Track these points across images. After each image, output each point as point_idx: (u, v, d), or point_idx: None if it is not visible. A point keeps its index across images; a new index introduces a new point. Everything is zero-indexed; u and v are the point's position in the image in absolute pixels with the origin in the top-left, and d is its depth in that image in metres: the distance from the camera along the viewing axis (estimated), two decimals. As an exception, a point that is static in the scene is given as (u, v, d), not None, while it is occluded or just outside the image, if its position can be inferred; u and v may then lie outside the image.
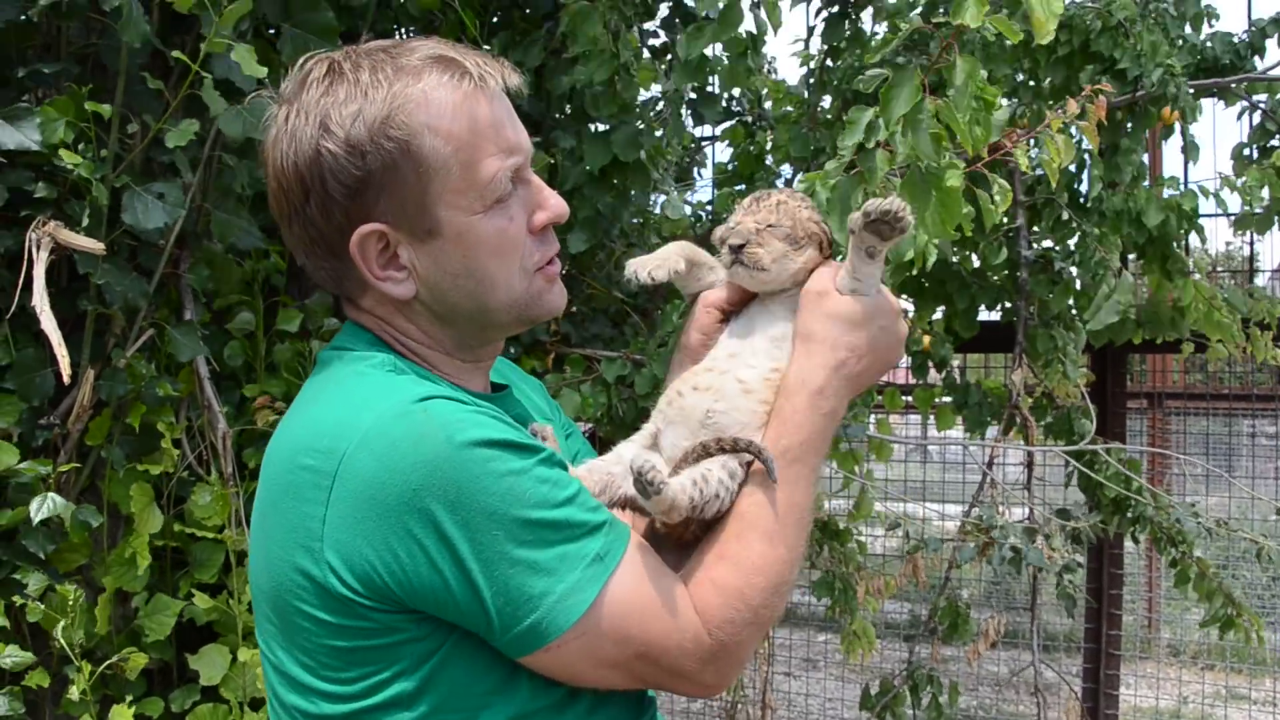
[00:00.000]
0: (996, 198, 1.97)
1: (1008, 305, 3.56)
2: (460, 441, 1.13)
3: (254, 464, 2.81)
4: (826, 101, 3.57)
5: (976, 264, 3.60)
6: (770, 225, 1.40)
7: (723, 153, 4.31)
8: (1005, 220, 2.44)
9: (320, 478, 1.15)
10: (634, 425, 3.26)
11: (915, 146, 1.79)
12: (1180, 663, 6.31)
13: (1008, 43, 2.52)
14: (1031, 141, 2.26)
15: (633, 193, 3.20)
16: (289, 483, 1.19)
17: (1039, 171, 3.07)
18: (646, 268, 1.40)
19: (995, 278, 3.47)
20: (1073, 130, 2.37)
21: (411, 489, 1.11)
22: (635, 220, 3.74)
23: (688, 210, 3.90)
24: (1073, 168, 3.20)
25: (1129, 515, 3.13)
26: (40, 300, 2.05)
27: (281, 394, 2.97)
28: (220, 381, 2.80)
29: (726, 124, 4.14)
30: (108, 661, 2.51)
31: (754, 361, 1.39)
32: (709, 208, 4.07)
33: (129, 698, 2.57)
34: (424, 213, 1.24)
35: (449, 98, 1.22)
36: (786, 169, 4.06)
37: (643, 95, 3.21)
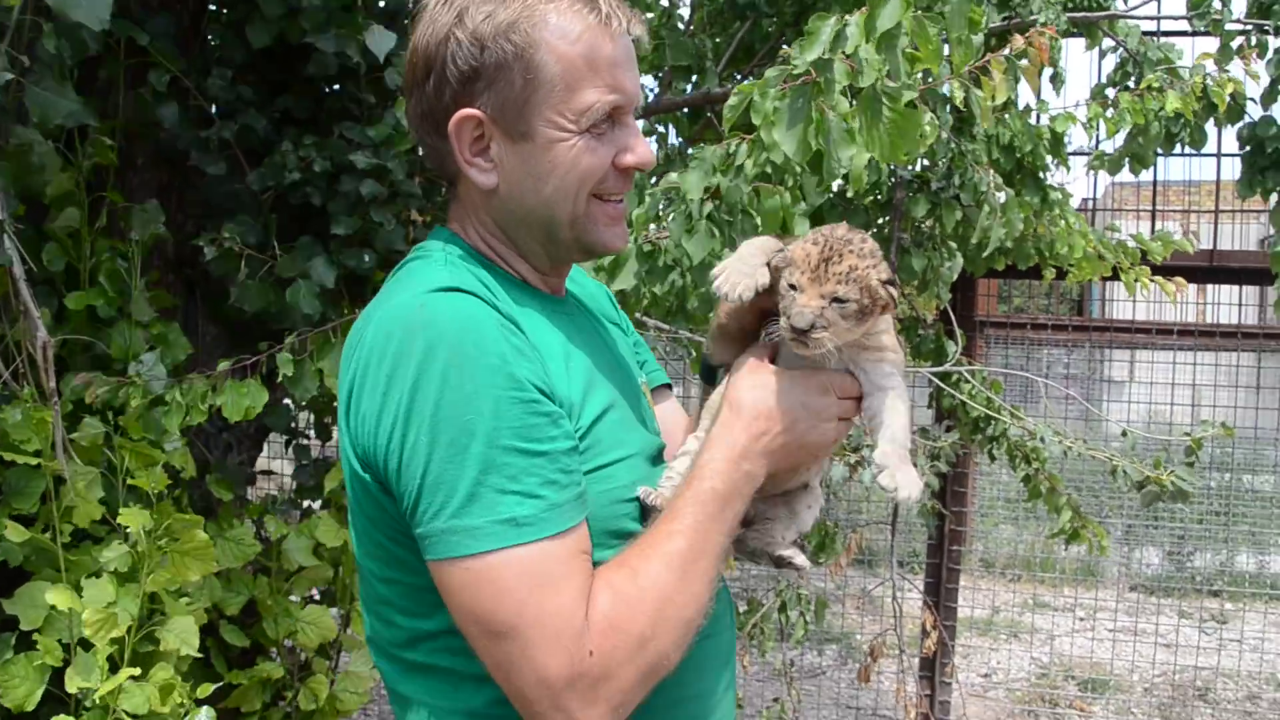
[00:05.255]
0: (927, 128, 1.92)
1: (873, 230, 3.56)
2: (436, 342, 1.18)
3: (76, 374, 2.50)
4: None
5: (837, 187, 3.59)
6: (838, 299, 1.31)
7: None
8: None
9: (349, 361, 1.28)
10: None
11: (887, 62, 1.72)
12: (991, 575, 6.73)
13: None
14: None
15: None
16: (342, 364, 1.32)
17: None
18: (738, 288, 1.39)
19: (865, 201, 3.46)
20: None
21: (385, 374, 1.20)
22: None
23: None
24: (945, 90, 3.20)
25: (987, 434, 3.23)
26: None
27: (104, 302, 2.65)
28: (34, 287, 2.45)
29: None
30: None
31: None
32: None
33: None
34: (521, 117, 1.32)
35: (573, 25, 1.31)
36: (650, 79, 3.92)
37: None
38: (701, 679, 1.40)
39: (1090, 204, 7.84)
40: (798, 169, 2.49)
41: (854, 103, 2.03)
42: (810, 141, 1.96)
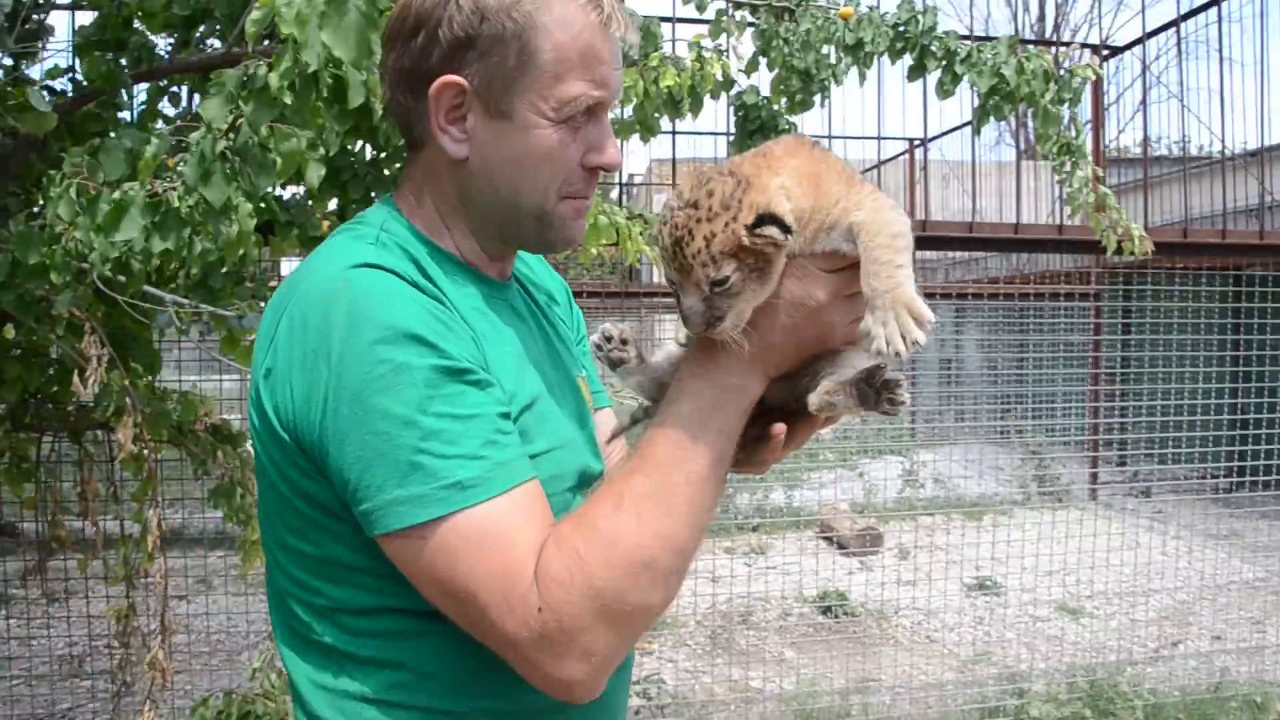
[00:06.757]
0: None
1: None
2: (359, 317, 1.19)
3: None
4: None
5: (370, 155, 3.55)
6: (716, 284, 1.16)
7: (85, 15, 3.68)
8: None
9: (269, 329, 1.28)
10: None
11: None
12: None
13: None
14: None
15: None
16: (261, 332, 1.31)
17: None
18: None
19: (388, 170, 3.45)
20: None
21: (310, 349, 1.20)
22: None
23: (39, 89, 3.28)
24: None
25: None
26: None
27: None
28: None
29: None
30: None
31: None
32: (72, 75, 3.48)
33: None
34: (505, 95, 1.33)
35: (575, 17, 1.33)
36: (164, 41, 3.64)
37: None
38: None
39: (633, 178, 8.49)
40: (324, 92, 2.39)
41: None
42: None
